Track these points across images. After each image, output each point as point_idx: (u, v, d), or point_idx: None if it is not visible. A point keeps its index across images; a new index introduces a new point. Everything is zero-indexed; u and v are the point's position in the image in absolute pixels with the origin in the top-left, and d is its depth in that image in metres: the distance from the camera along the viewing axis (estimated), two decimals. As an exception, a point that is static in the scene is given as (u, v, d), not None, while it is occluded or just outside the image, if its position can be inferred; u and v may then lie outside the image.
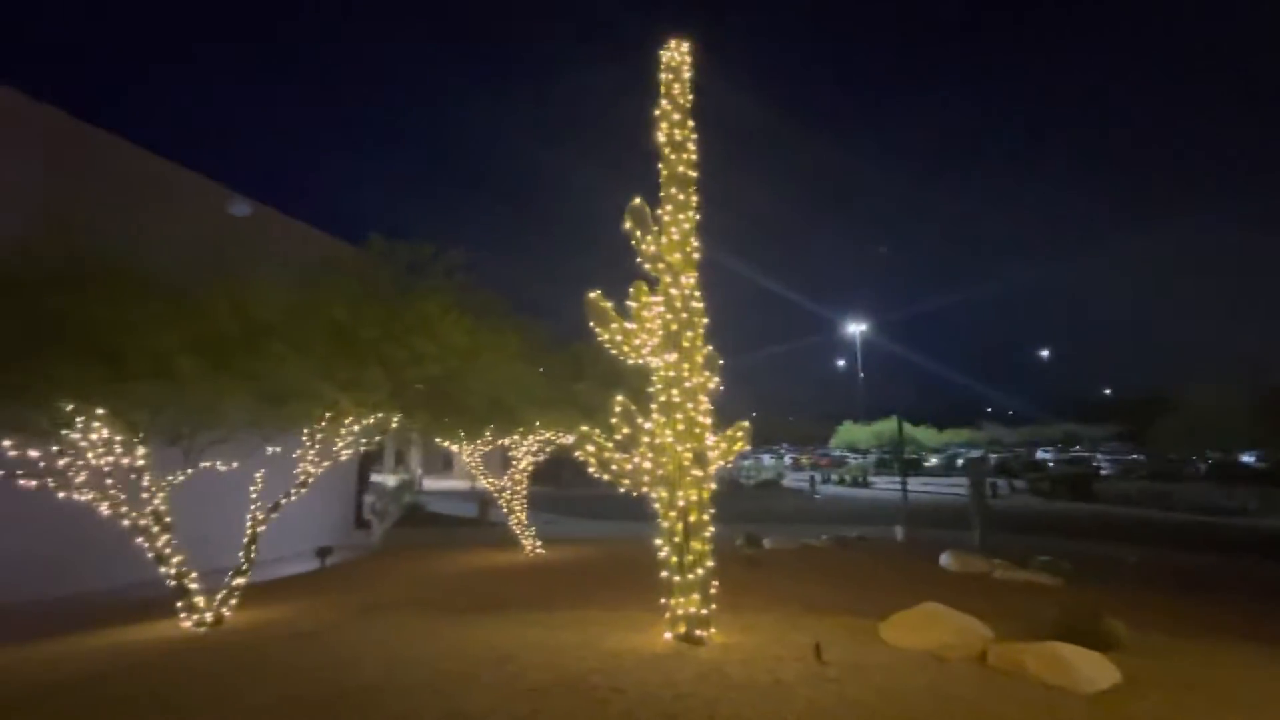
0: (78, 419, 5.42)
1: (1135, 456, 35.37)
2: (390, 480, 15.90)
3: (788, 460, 51.21)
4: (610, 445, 5.43)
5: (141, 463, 5.96)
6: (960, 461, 39.19)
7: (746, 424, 5.78)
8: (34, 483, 5.63)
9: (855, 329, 33.92)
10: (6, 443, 5.51)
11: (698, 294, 5.66)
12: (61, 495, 5.75)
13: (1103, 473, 29.43)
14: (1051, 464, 35.10)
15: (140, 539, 6.01)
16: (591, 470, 5.44)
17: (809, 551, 10.63)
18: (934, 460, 42.96)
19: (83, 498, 5.81)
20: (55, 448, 5.66)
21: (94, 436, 5.57)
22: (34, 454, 5.63)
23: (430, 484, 27.91)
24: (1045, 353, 62.30)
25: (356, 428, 7.36)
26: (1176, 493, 22.22)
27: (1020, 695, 3.87)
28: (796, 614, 5.90)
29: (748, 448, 6.04)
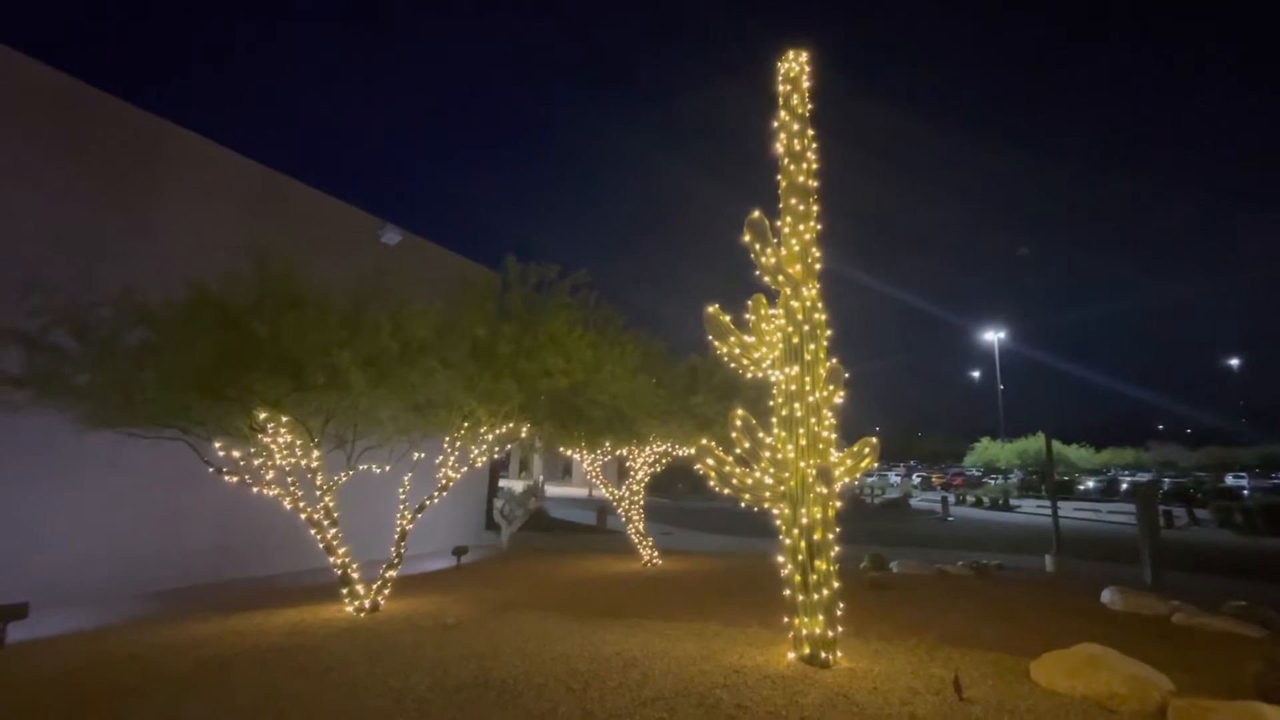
0: (269, 425, 6.33)
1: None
2: (517, 486, 16.84)
3: (916, 479, 47.90)
4: (730, 459, 5.43)
5: (316, 464, 6.81)
6: (1125, 486, 34.57)
7: (874, 440, 5.54)
8: (235, 479, 6.64)
9: (993, 337, 31.15)
10: (217, 444, 6.56)
11: (820, 305, 5.54)
12: (255, 490, 6.73)
13: (1317, 505, 24.57)
14: (1246, 491, 29.88)
15: (313, 531, 6.86)
16: (711, 483, 5.46)
17: (943, 578, 9.88)
18: (1090, 483, 38.14)
19: (270, 493, 6.76)
20: (252, 449, 6.63)
21: (280, 440, 6.47)
22: (236, 454, 6.65)
23: (551, 490, 29.19)
24: (1235, 362, 53.31)
25: (491, 436, 7.92)
26: None
27: (1212, 760, 3.37)
28: (931, 644, 5.52)
29: (874, 465, 5.79)
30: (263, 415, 6.20)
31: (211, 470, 6.63)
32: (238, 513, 9.13)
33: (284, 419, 6.34)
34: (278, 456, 6.58)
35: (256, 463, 6.68)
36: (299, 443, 6.61)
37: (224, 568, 9.39)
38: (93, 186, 8.50)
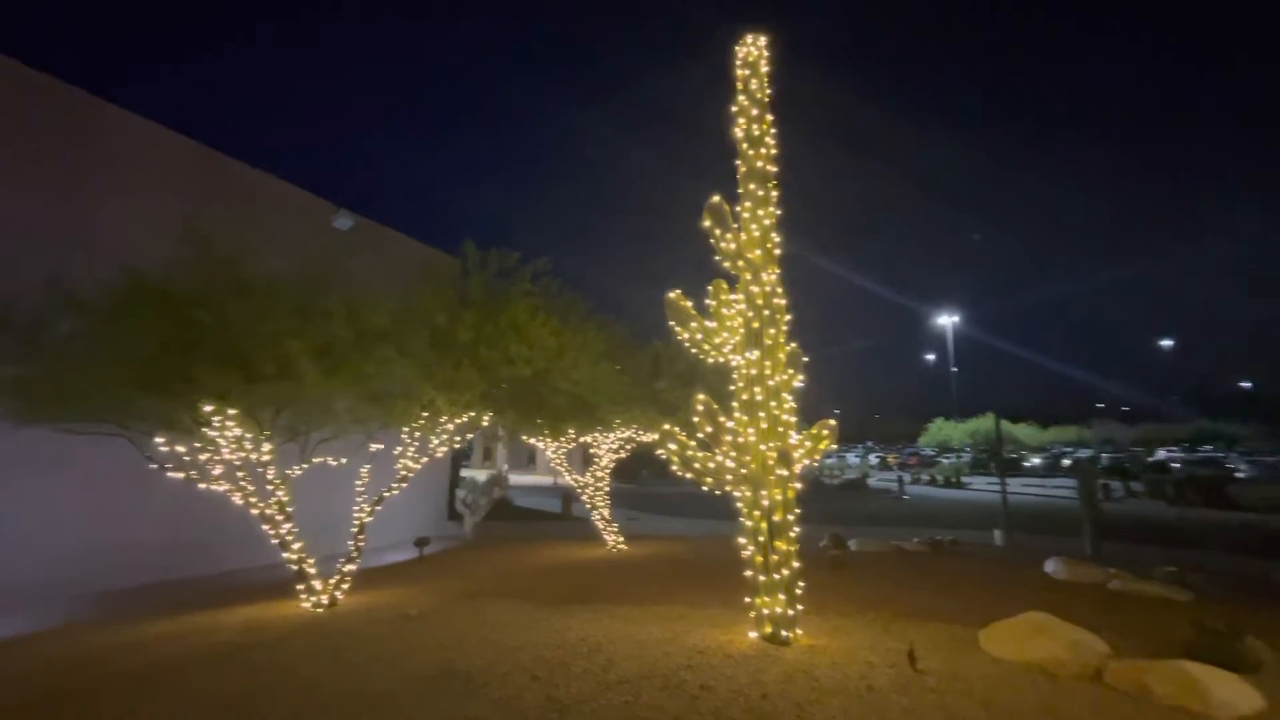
0: (215, 418, 6.05)
1: (1280, 458, 31.36)
2: (480, 475, 16.66)
3: (873, 459, 49.32)
4: (692, 443, 5.47)
5: (267, 458, 6.57)
6: (1066, 462, 36.32)
7: (832, 422, 5.66)
8: (180, 475, 6.36)
9: (946, 321, 32.13)
10: (159, 439, 6.26)
11: (779, 290, 5.59)
12: (202, 486, 6.45)
13: (1239, 475, 26.28)
14: (1177, 465, 31.73)
15: (266, 526, 6.64)
16: (674, 468, 5.50)
17: (899, 554, 10.22)
18: (1036, 460, 39.96)
19: (219, 489, 6.50)
20: (197, 444, 6.35)
21: (229, 434, 6.20)
22: (180, 449, 6.36)
23: (515, 479, 28.98)
24: (1168, 343, 56.26)
25: (451, 426, 7.79)
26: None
27: (1145, 718, 3.59)
28: (887, 619, 5.71)
29: (833, 446, 5.91)
30: (208, 408, 5.93)
31: (154, 466, 6.34)
32: (187, 508, 8.78)
33: (231, 411, 6.08)
34: (226, 451, 6.32)
35: (203, 457, 6.41)
36: (249, 436, 6.37)
37: (173, 566, 9.03)
38: (17, 167, 7.95)
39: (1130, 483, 25.43)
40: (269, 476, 6.62)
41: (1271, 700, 3.74)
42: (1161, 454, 39.38)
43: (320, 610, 6.54)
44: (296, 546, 6.66)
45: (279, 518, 6.63)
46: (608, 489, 11.39)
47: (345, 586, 7.01)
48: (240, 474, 6.49)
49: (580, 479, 11.19)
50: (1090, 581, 7.86)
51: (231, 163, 10.69)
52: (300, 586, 6.69)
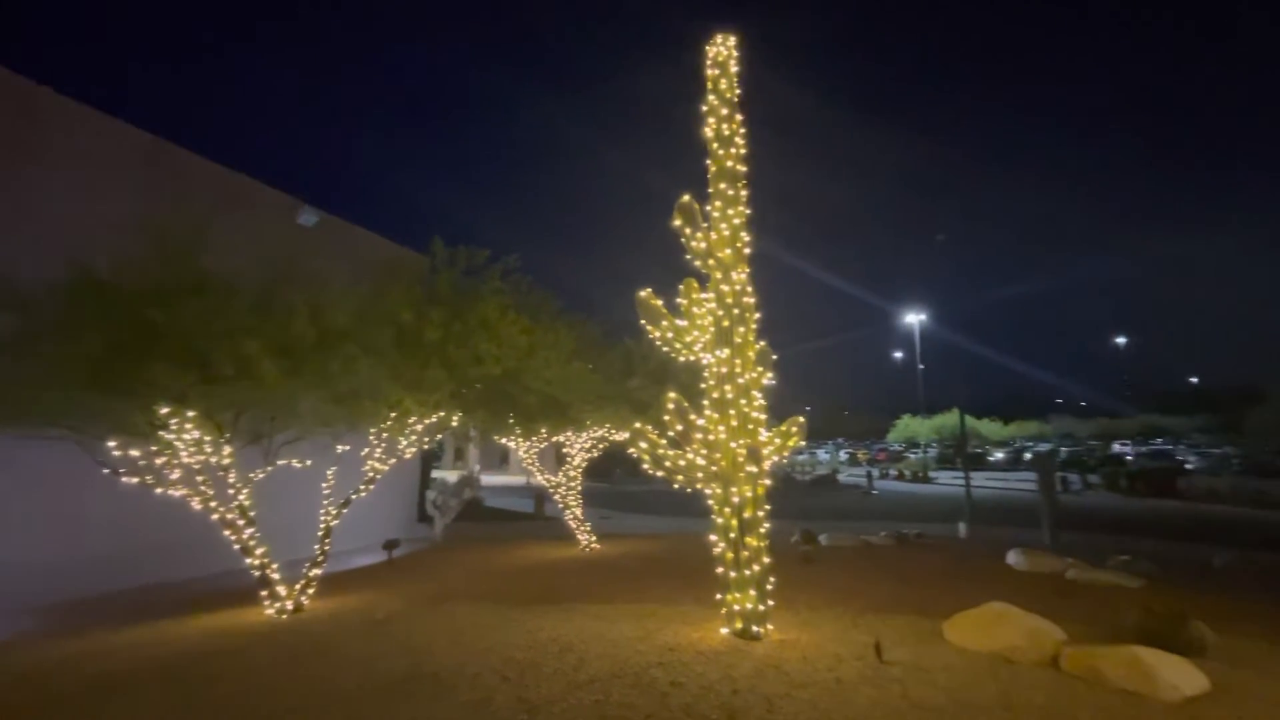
0: (172, 420, 5.83)
1: (1226, 450, 32.84)
2: (450, 476, 16.44)
3: (843, 455, 50.14)
4: (663, 441, 5.49)
5: (227, 461, 6.37)
6: (1028, 456, 37.44)
7: (801, 419, 5.74)
8: (135, 480, 6.12)
9: (914, 319, 32.79)
10: (111, 443, 6.01)
11: (749, 289, 5.64)
12: (158, 492, 6.22)
13: (1188, 467, 27.46)
14: (1130, 458, 33.00)
15: (227, 532, 6.44)
16: (645, 466, 5.51)
17: (867, 549, 10.41)
18: (999, 455, 41.11)
19: (177, 494, 6.27)
20: (153, 448, 6.11)
21: (186, 437, 5.98)
22: (135, 453, 6.11)
23: (487, 479, 28.68)
24: (1121, 340, 58.43)
25: (420, 426, 7.66)
26: (1274, 490, 20.51)
27: (1097, 702, 3.72)
28: (855, 612, 5.81)
29: (802, 443, 5.99)
30: (165, 410, 5.72)
31: (108, 471, 6.09)
32: (144, 513, 8.42)
33: (190, 413, 5.88)
34: (184, 454, 6.11)
35: (160, 461, 6.18)
36: (208, 439, 6.16)
37: (129, 574, 8.70)
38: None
39: (1087, 475, 26.35)
40: (230, 480, 6.43)
41: (1215, 682, 3.91)
42: (1117, 447, 40.86)
43: (284, 616, 6.38)
44: (259, 552, 6.47)
45: (240, 522, 6.44)
46: (580, 488, 11.36)
47: (311, 592, 6.85)
48: (200, 478, 6.28)
49: (553, 478, 11.13)
50: (1049, 571, 8.12)
51: (189, 156, 10.34)
52: (263, 593, 6.52)
